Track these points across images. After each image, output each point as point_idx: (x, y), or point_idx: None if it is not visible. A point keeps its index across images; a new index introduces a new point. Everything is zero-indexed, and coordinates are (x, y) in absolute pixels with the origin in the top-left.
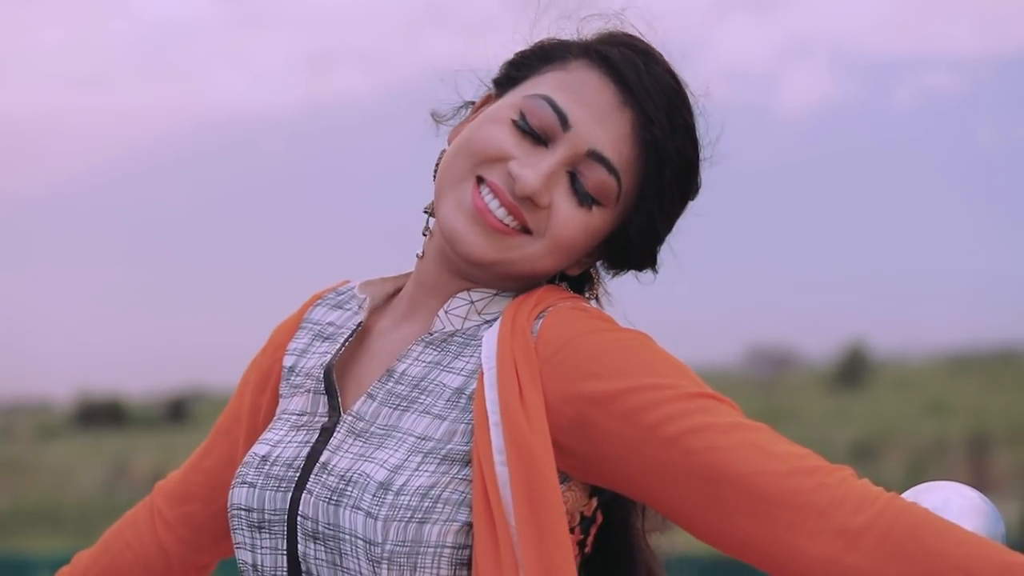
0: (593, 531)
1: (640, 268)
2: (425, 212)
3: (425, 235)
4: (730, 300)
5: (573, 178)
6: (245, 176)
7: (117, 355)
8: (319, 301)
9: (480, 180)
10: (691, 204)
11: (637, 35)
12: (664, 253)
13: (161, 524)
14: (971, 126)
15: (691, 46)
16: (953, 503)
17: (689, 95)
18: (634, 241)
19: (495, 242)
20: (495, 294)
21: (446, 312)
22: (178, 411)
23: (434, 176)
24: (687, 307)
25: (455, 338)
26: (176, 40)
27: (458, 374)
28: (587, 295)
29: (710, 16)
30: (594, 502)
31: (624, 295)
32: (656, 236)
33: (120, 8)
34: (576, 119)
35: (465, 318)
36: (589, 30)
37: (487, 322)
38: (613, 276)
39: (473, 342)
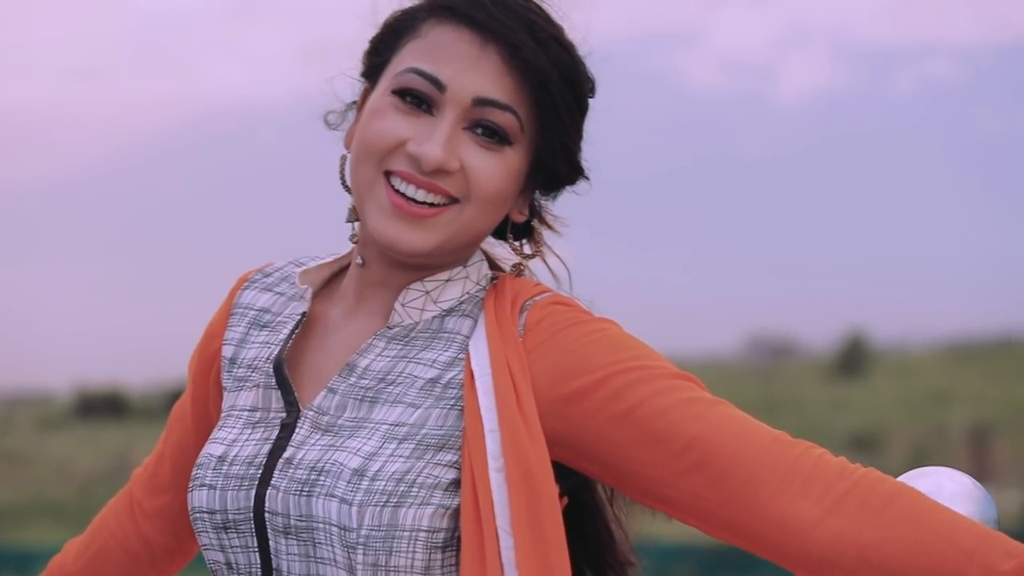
0: None
1: (572, 183)
2: (348, 222)
3: (355, 242)
4: (729, 289)
5: (473, 131)
6: (242, 166)
7: (117, 346)
8: (246, 284)
9: (388, 174)
10: (592, 102)
11: None
12: (657, 243)
13: (140, 514)
14: (970, 114)
15: (689, 35)
16: (945, 488)
17: (540, 2)
18: (554, 163)
19: (428, 227)
20: (447, 280)
21: (403, 305)
22: None
23: (342, 183)
24: (687, 296)
25: (418, 331)
26: (172, 31)
27: (429, 366)
28: (532, 250)
29: (707, 5)
30: (558, 487)
31: (622, 285)
32: (571, 150)
33: None
34: (447, 77)
35: (423, 309)
36: None
37: (445, 312)
38: (553, 199)
39: (441, 334)
